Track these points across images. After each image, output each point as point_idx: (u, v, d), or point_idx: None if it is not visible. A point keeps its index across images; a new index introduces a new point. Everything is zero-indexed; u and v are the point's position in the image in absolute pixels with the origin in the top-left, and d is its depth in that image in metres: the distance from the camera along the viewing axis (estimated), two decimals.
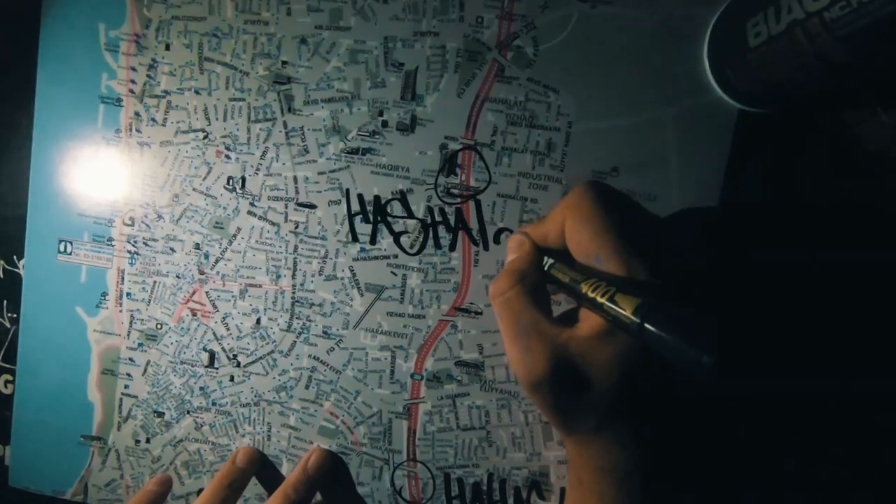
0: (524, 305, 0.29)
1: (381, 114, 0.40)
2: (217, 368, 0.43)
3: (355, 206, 0.40)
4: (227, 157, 0.41)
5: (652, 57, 0.38)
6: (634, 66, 0.38)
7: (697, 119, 0.38)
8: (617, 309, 0.26)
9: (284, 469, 0.43)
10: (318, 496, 0.40)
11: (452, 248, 0.40)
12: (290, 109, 0.41)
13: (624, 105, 0.38)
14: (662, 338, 0.23)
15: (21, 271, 0.43)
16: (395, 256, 0.41)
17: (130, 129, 0.42)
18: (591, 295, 0.27)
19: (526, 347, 0.28)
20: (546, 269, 0.31)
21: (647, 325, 0.24)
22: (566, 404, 0.28)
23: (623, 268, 0.27)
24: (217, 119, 0.41)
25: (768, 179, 0.38)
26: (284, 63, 0.40)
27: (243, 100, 0.41)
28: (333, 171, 0.41)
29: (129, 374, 0.44)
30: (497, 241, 0.40)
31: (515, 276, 0.30)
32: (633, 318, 0.25)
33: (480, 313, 0.41)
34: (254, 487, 0.43)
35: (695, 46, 0.38)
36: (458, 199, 0.39)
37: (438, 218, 0.40)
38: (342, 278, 0.41)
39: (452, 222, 0.40)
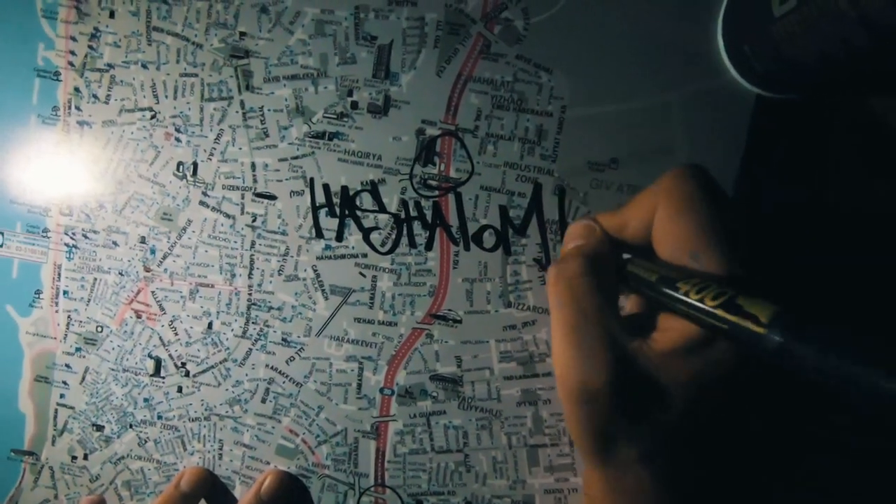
0: (596, 297, 0.25)
1: (350, 94, 0.37)
2: (163, 378, 0.40)
3: (320, 198, 0.38)
4: (178, 139, 0.39)
5: (658, 33, 0.35)
6: (638, 44, 0.35)
7: (708, 105, 0.35)
8: (737, 318, 0.20)
9: (237, 492, 0.41)
10: None
11: (429, 247, 0.37)
12: (248, 87, 0.38)
13: (625, 88, 0.35)
14: (821, 357, 0.18)
15: None
16: (365, 255, 0.38)
17: (69, 107, 0.39)
18: (692, 298, 0.22)
19: (586, 347, 0.24)
20: (624, 266, 0.26)
21: (792, 340, 0.19)
22: (617, 428, 0.24)
23: (732, 271, 0.23)
24: (166, 97, 0.39)
25: (788, 176, 0.35)
26: (242, 34, 0.37)
27: (196, 76, 0.38)
28: (296, 157, 0.38)
29: (65, 382, 0.41)
30: (479, 240, 0.37)
31: (587, 260, 0.26)
32: (767, 330, 0.19)
33: (459, 321, 0.38)
34: None
35: (707, 20, 0.35)
36: (437, 192, 0.37)
37: (414, 213, 0.37)
38: (304, 279, 0.38)
39: (429, 218, 0.37)
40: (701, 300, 0.22)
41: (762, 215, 0.37)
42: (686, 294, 0.23)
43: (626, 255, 0.27)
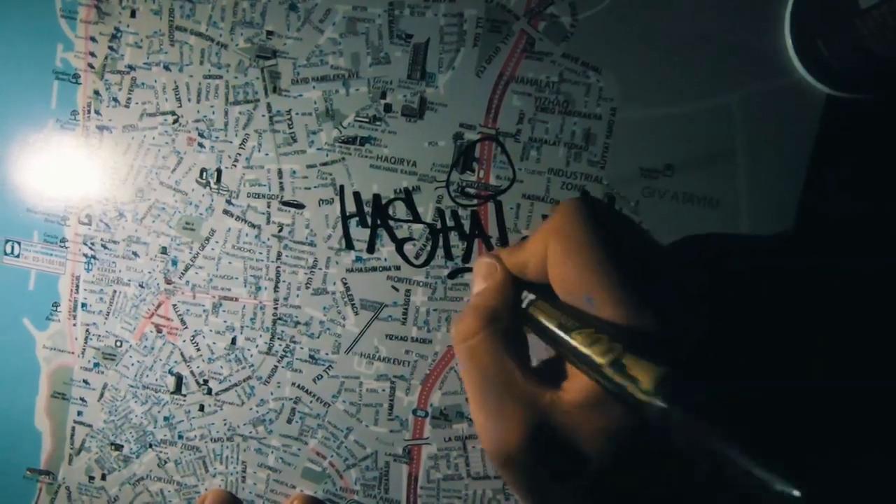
0: (495, 355, 0.24)
1: (383, 96, 0.36)
2: (185, 395, 0.39)
3: (350, 207, 0.36)
4: (201, 145, 0.38)
5: (717, 28, 0.33)
6: (694, 40, 0.33)
7: (773, 106, 0.33)
8: (623, 378, 0.19)
9: None
10: None
11: (466, 259, 0.36)
12: (275, 89, 0.36)
13: (681, 88, 0.34)
14: (703, 435, 0.17)
15: None
16: (398, 268, 0.36)
17: (88, 111, 0.38)
18: (584, 351, 0.21)
19: (496, 411, 0.23)
20: (524, 306, 0.26)
21: (675, 411, 0.18)
22: (542, 486, 0.23)
23: (626, 316, 0.21)
24: (189, 100, 0.37)
25: (860, 184, 0.33)
26: (269, 34, 0.36)
27: (220, 77, 0.37)
28: (325, 163, 0.37)
29: (82, 399, 0.40)
30: None
31: (484, 316, 0.25)
32: (652, 396, 0.18)
33: None
34: None
35: (773, 14, 0.33)
36: (475, 201, 0.35)
37: (450, 223, 0.36)
38: (333, 293, 0.37)
39: (467, 228, 0.36)
40: (591, 355, 0.21)
41: (830, 226, 0.34)
42: (579, 345, 0.21)
43: (530, 296, 0.26)
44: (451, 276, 0.36)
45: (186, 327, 0.39)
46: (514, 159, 0.35)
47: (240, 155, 0.37)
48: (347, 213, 0.36)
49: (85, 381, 0.40)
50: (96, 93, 0.38)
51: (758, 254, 0.34)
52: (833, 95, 0.32)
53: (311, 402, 0.38)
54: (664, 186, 0.34)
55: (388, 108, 0.35)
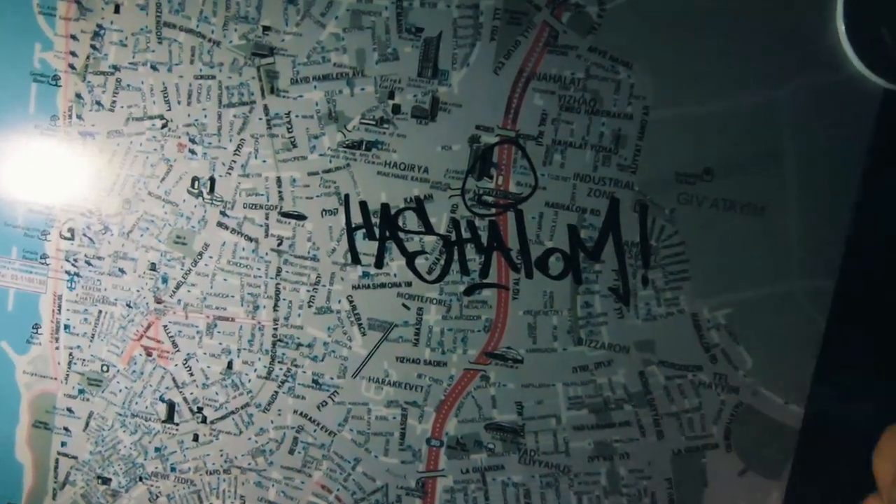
0: None
1: (391, 96, 0.34)
2: (177, 424, 0.38)
3: (357, 218, 0.35)
4: (192, 151, 0.36)
5: (761, 17, 0.31)
6: (736, 31, 0.31)
7: (824, 103, 0.31)
8: None
9: None
10: None
11: (484, 274, 0.34)
12: (272, 90, 0.35)
13: (720, 84, 0.32)
14: None
15: None
16: (409, 284, 0.35)
17: (70, 116, 0.36)
18: None
19: None
20: None
21: None
22: None
23: None
24: (179, 103, 0.36)
25: None
26: (266, 29, 0.35)
27: (213, 78, 0.35)
28: (329, 171, 0.35)
29: (66, 429, 0.39)
30: (544, 266, 0.34)
31: None
32: None
33: (520, 361, 0.35)
34: None
35: (823, 1, 0.30)
36: (493, 210, 0.34)
37: (466, 234, 0.34)
38: (338, 312, 0.36)
39: (485, 240, 0.34)
40: None
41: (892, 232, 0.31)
42: None
43: None
44: (468, 292, 0.35)
45: (178, 350, 0.37)
46: (535, 164, 0.34)
47: (235, 162, 0.36)
48: (353, 225, 0.35)
49: (69, 410, 0.39)
50: (78, 96, 0.37)
51: (809, 267, 0.32)
52: (893, 90, 0.30)
53: (314, 430, 0.37)
54: (703, 192, 0.32)
55: (396, 109, 0.34)
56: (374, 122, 0.34)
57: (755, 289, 0.33)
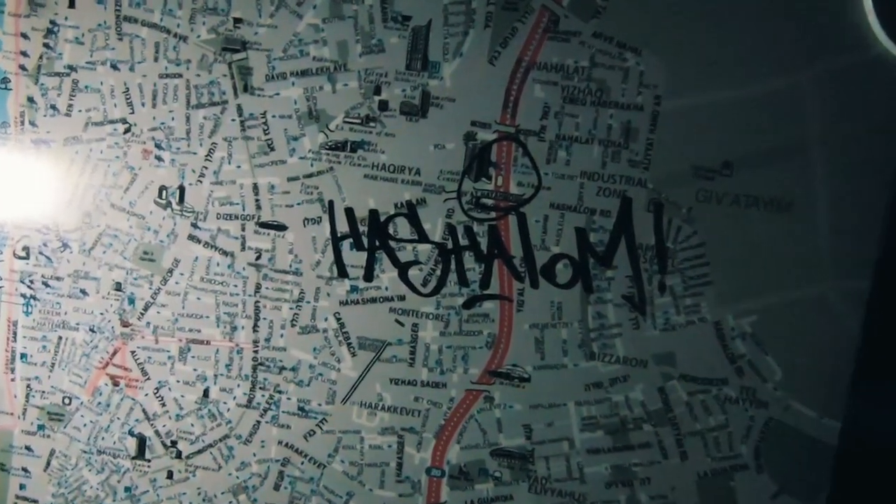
0: None
1: (377, 91, 0.33)
2: (149, 461, 0.36)
3: (342, 227, 0.34)
4: (159, 158, 0.35)
5: None
6: (753, 11, 0.30)
7: (851, 86, 0.30)
8: None
9: None
10: None
11: (485, 284, 0.33)
12: (246, 88, 0.34)
13: (739, 69, 0.30)
14: None
15: None
16: (402, 298, 0.34)
17: (22, 122, 0.35)
18: None
19: None
20: None
21: None
22: None
23: None
24: (143, 105, 0.34)
25: None
26: (238, 22, 0.33)
27: (180, 76, 0.34)
28: (310, 175, 0.34)
29: (25, 470, 0.37)
30: (550, 274, 0.33)
31: None
32: None
33: (527, 379, 0.33)
34: None
35: None
36: (493, 214, 0.33)
37: (464, 241, 0.33)
38: (325, 331, 0.34)
39: (484, 247, 0.33)
40: None
41: None
42: None
43: None
44: (467, 305, 0.33)
45: (149, 378, 0.36)
46: (538, 162, 0.33)
47: (206, 168, 0.35)
48: (339, 234, 0.34)
49: (28, 448, 0.37)
50: (30, 100, 0.35)
51: (841, 267, 0.31)
52: None
53: (302, 463, 0.35)
54: (722, 188, 0.31)
55: (383, 105, 0.33)
56: (359, 121, 0.33)
57: (783, 292, 0.31)
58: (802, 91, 0.30)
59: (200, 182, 0.34)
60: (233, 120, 0.34)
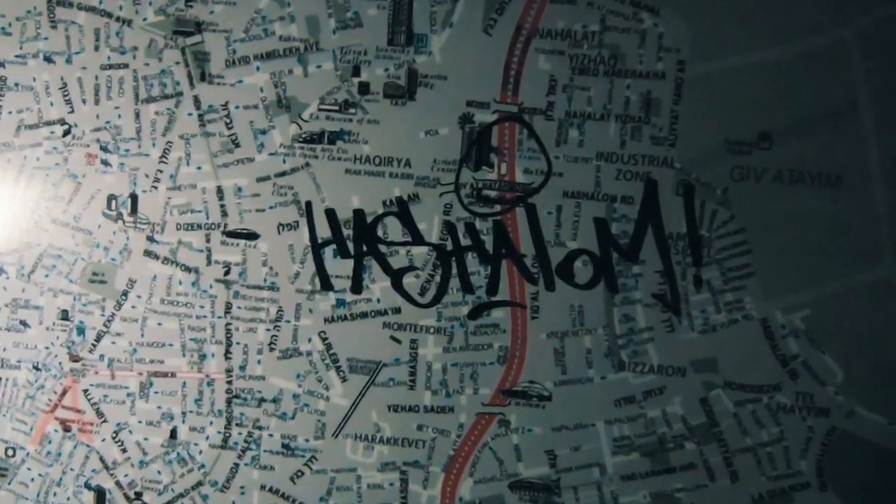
0: None
1: (356, 72, 0.31)
2: None
3: (323, 231, 0.32)
4: (105, 163, 0.33)
5: None
6: None
7: None
8: None
9: None
10: None
11: (493, 290, 0.32)
12: (203, 77, 0.32)
13: (772, 26, 0.29)
14: None
15: None
16: (397, 311, 0.32)
17: None
18: None
19: None
20: None
21: None
22: None
23: None
24: (84, 102, 0.33)
25: None
26: (189, 0, 0.32)
27: (126, 66, 0.32)
28: (283, 174, 0.32)
29: None
30: (568, 273, 0.31)
31: None
32: None
33: (548, 398, 0.32)
34: None
35: None
36: (498, 207, 0.32)
37: (465, 240, 0.32)
38: (309, 353, 0.33)
39: (490, 246, 0.32)
40: None
41: None
42: None
43: None
44: (473, 315, 0.32)
45: (106, 421, 0.34)
46: (546, 145, 0.31)
47: (161, 172, 0.33)
48: (319, 241, 0.32)
49: None
50: None
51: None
52: None
53: None
54: (761, 163, 0.29)
55: (364, 88, 0.31)
56: (336, 108, 0.32)
57: (839, 280, 0.29)
58: (848, 47, 0.29)
59: (155, 188, 0.33)
60: (189, 114, 0.32)
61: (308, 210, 0.32)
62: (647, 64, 0.30)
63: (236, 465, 0.32)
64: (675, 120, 0.30)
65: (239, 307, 0.33)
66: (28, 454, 0.33)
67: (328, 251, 0.32)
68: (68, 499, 0.33)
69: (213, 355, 0.33)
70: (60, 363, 0.33)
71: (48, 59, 0.32)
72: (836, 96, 0.28)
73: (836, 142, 0.29)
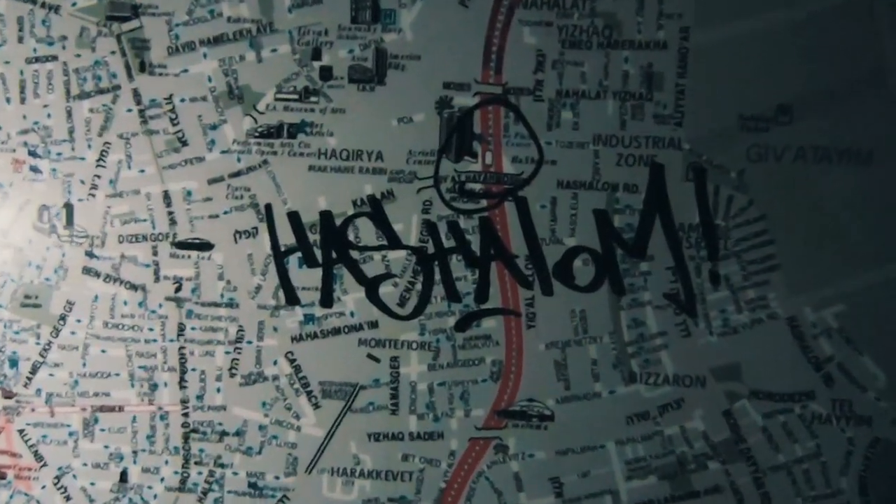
0: None
1: (317, 56, 0.30)
2: None
3: (286, 238, 0.31)
4: (35, 169, 0.31)
5: None
6: None
7: None
8: None
9: None
10: None
11: (482, 297, 0.30)
12: (143, 67, 0.31)
13: None
14: None
15: None
16: (374, 325, 0.31)
17: None
18: None
19: None
20: None
21: None
22: None
23: None
24: (8, 101, 0.31)
25: None
26: None
27: (55, 59, 0.31)
28: (237, 174, 0.31)
29: None
30: (566, 275, 0.30)
31: None
32: None
33: (550, 417, 0.30)
34: None
35: None
36: (484, 202, 0.30)
37: (449, 241, 0.30)
38: (276, 378, 0.31)
39: (476, 246, 0.30)
40: None
41: None
42: None
43: None
44: (461, 326, 0.30)
45: (45, 464, 0.32)
46: (536, 129, 0.29)
47: (99, 178, 0.31)
48: (283, 248, 0.31)
49: None
50: None
51: None
52: None
53: None
54: (780, 141, 0.28)
55: (326, 73, 0.30)
56: (296, 97, 0.30)
57: (874, 270, 0.28)
58: (873, 6, 0.26)
59: (93, 196, 0.31)
60: (129, 110, 0.31)
61: (268, 214, 0.30)
62: (647, 33, 0.28)
63: None
64: (680, 95, 0.28)
65: (193, 328, 0.31)
66: None
67: (293, 260, 0.30)
68: None
69: (165, 385, 0.31)
70: None
71: None
72: (861, 59, 0.26)
73: (865, 112, 0.27)
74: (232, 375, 0.31)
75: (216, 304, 0.31)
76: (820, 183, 0.27)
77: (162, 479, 0.31)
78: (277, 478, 0.31)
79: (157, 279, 0.31)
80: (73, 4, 0.30)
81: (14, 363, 0.31)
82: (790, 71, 0.27)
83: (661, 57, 0.28)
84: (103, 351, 0.31)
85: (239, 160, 0.30)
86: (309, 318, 0.30)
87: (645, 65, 0.28)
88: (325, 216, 0.30)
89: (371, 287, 0.30)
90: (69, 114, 0.30)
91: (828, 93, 0.27)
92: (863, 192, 0.27)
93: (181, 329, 0.31)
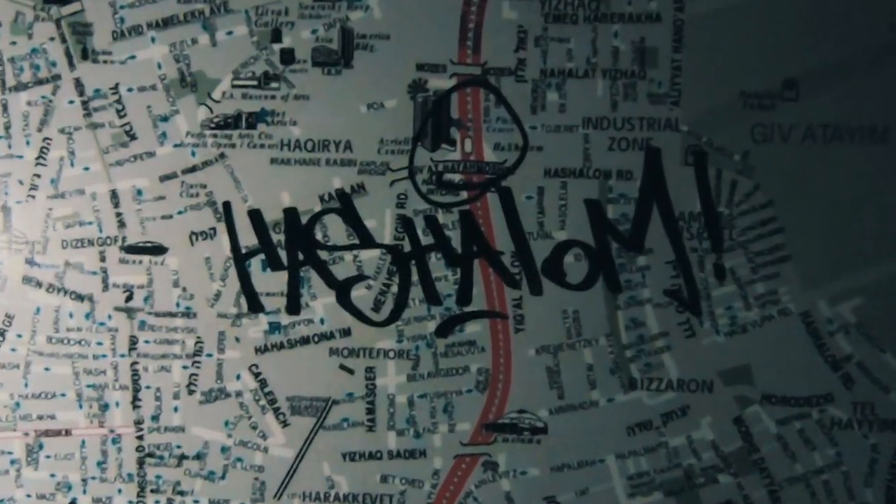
0: None
1: (277, 37, 0.29)
2: None
3: (247, 238, 0.30)
4: None
5: None
6: None
7: None
8: None
9: None
10: None
11: (465, 298, 0.29)
12: (86, 55, 0.30)
13: None
14: None
15: None
16: (346, 333, 0.29)
17: None
18: None
19: None
20: None
21: None
22: None
23: None
24: None
25: None
26: None
27: None
28: (192, 169, 0.30)
29: None
30: (556, 272, 0.29)
31: None
32: None
33: (543, 429, 0.29)
34: None
35: None
36: (465, 194, 0.29)
37: (426, 238, 0.29)
38: (239, 393, 0.30)
39: (458, 244, 0.29)
40: None
41: None
42: None
43: None
44: (442, 331, 0.29)
45: None
46: (519, 112, 0.28)
47: (39, 177, 0.30)
48: (244, 250, 0.29)
49: None
50: None
51: None
52: None
53: None
54: (788, 119, 0.27)
55: (288, 56, 0.29)
56: (254, 83, 0.29)
57: (894, 259, 0.26)
58: None
59: (32, 197, 0.30)
60: (71, 102, 0.29)
61: (227, 213, 0.29)
62: (638, 4, 0.27)
63: None
64: (676, 72, 0.27)
65: (147, 341, 0.30)
66: None
67: (255, 263, 0.29)
68: None
69: (117, 404, 0.30)
70: None
71: None
72: (873, 28, 0.26)
73: (879, 86, 0.27)
74: (191, 393, 0.29)
75: (171, 314, 0.30)
76: (831, 164, 0.27)
77: None
78: None
79: (105, 288, 0.30)
80: None
81: None
82: (796, 42, 0.27)
83: (655, 30, 0.27)
84: (47, 369, 0.30)
85: (193, 154, 0.29)
86: (274, 327, 0.29)
87: (637, 39, 0.27)
88: (290, 214, 0.29)
89: (342, 291, 0.29)
90: (4, 107, 0.29)
91: (838, 65, 0.27)
92: (879, 172, 0.27)
93: (133, 342, 0.30)
